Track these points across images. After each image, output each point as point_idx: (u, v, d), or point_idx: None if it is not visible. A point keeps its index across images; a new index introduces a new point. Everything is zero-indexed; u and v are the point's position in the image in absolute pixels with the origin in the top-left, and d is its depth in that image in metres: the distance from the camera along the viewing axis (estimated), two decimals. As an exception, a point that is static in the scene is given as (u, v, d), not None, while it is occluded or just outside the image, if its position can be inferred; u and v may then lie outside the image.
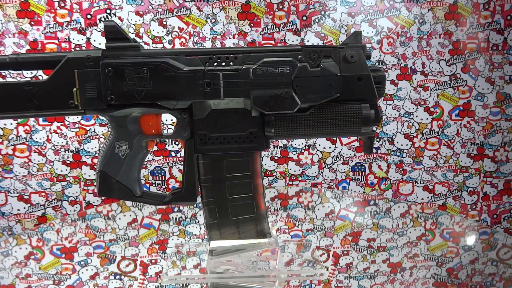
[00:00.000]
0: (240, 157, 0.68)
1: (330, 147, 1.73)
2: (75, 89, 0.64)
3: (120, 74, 0.63)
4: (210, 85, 0.64)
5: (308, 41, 1.64)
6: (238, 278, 0.70)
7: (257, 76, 0.64)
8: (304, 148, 1.73)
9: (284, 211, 1.18)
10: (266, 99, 0.64)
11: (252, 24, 1.64)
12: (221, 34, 1.64)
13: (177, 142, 1.69)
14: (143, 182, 1.69)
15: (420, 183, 1.77)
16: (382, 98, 1.70)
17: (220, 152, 0.68)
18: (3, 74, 1.57)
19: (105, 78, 0.63)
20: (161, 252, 0.88)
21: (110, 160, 0.69)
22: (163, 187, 1.70)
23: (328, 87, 0.65)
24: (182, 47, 1.64)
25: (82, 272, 0.78)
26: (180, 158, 1.70)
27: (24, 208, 1.67)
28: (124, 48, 0.64)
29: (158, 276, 0.77)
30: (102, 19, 1.60)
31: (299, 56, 0.65)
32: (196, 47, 1.65)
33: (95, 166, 1.65)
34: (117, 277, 0.77)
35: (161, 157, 1.69)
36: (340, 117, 0.66)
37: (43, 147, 1.64)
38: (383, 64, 1.69)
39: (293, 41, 1.65)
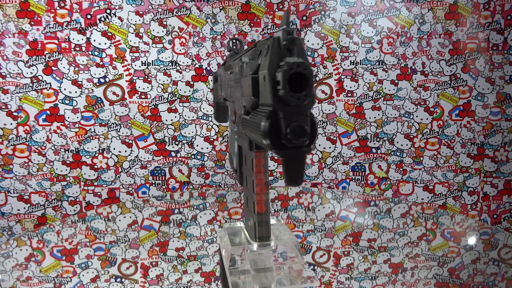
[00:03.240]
0: (247, 154, 0.69)
1: (330, 147, 1.73)
2: None
3: (217, 80, 0.89)
4: (229, 86, 0.74)
5: (308, 41, 1.64)
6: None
7: (233, 78, 0.64)
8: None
9: (284, 212, 1.18)
10: (235, 100, 0.64)
11: (252, 24, 1.63)
12: (221, 34, 1.64)
13: (176, 142, 1.69)
14: (143, 182, 1.69)
15: (420, 183, 1.77)
16: (382, 99, 1.70)
17: (241, 145, 0.72)
18: (3, 74, 1.57)
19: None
20: (162, 254, 0.87)
21: (229, 138, 0.88)
22: (163, 187, 1.70)
23: (248, 89, 0.53)
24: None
25: (83, 275, 0.78)
26: (180, 158, 1.70)
27: (24, 208, 1.66)
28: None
29: (159, 279, 0.76)
30: (102, 18, 1.59)
31: (252, 54, 0.56)
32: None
33: (95, 166, 1.65)
34: (118, 279, 0.76)
35: (161, 157, 1.69)
36: (252, 126, 0.52)
37: (43, 147, 1.63)
38: (383, 64, 1.69)
39: (293, 41, 1.64)
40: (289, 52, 0.45)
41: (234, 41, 0.89)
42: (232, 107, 0.78)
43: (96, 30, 1.59)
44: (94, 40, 1.59)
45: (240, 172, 0.76)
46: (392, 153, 1.74)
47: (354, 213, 1.22)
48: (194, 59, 1.64)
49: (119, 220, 1.11)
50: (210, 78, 1.65)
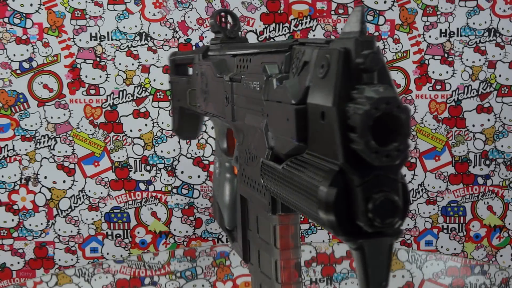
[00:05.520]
0: (262, 215, 0.59)
1: (405, 175, 1.24)
2: None
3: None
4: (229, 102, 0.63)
5: (314, 35, 1.35)
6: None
7: (243, 92, 0.49)
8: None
9: (329, 284, 0.99)
10: (244, 128, 0.52)
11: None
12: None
13: (147, 167, 1.42)
14: (93, 232, 1.36)
15: None
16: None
17: (246, 197, 0.61)
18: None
19: None
20: None
21: (214, 177, 0.74)
22: (126, 241, 1.44)
23: (286, 125, 0.36)
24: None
25: None
26: (153, 193, 1.45)
27: None
28: None
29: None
30: None
31: (282, 61, 0.41)
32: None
33: (14, 207, 1.30)
34: None
35: (123, 191, 1.40)
36: (293, 185, 0.35)
37: None
38: (497, 35, 1.29)
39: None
40: (365, 75, 0.29)
41: (222, 14, 0.65)
42: (223, 129, 0.66)
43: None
44: (14, 0, 1.22)
45: (243, 240, 0.56)
46: (512, 184, 1.36)
47: (447, 287, 1.01)
48: (178, 29, 1.30)
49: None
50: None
